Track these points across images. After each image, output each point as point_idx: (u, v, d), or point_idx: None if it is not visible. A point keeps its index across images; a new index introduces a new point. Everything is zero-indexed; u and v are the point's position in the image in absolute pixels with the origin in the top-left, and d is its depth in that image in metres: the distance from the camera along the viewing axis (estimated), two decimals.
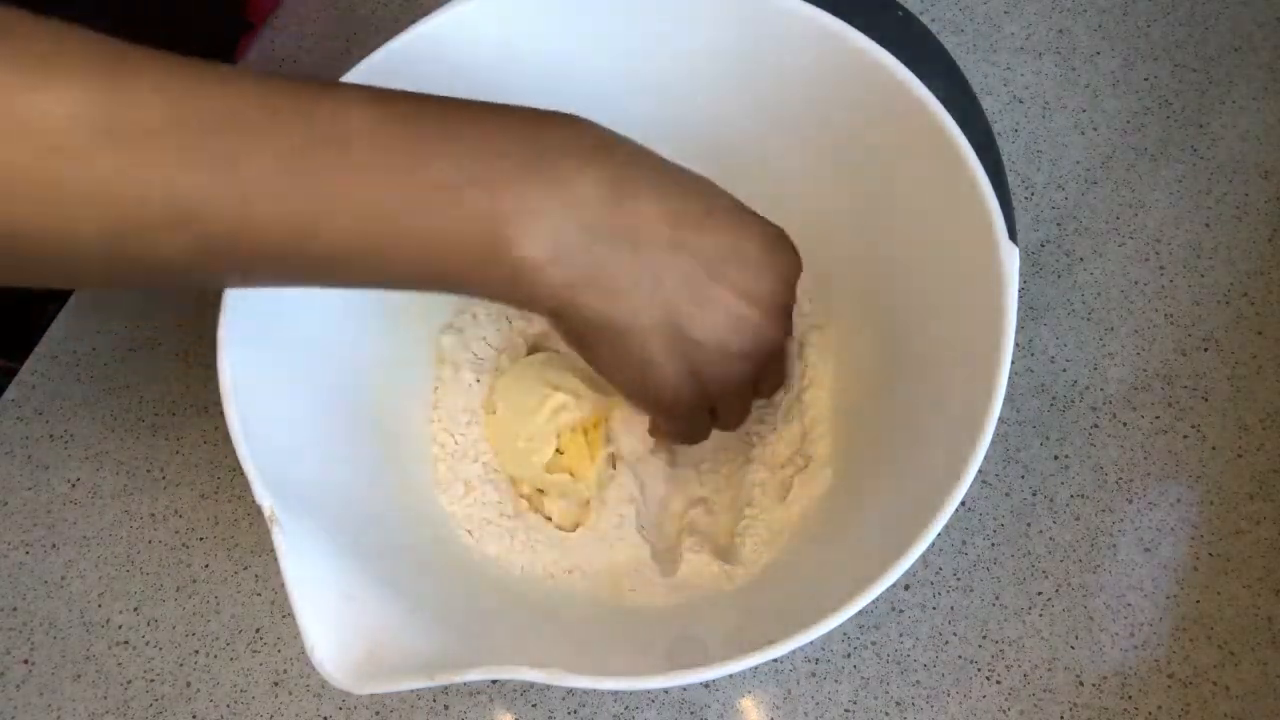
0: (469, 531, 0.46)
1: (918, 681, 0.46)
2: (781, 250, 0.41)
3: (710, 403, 0.42)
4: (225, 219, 0.30)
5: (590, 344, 0.38)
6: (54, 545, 0.50)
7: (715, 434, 0.47)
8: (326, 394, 0.44)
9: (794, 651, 0.37)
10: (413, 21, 0.44)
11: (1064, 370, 0.52)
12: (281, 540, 0.35)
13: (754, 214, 0.41)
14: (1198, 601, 0.47)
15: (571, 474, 0.47)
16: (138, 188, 0.29)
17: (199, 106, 0.30)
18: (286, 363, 0.42)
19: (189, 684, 0.47)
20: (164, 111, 0.29)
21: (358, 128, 0.32)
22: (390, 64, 0.43)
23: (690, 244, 0.37)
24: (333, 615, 0.35)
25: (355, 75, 0.43)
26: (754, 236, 0.40)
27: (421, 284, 0.35)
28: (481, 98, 0.46)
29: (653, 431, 0.47)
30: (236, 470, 0.37)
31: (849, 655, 0.47)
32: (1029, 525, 0.49)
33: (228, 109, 0.30)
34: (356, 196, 0.32)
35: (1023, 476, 0.50)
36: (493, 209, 0.33)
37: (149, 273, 0.32)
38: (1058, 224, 0.55)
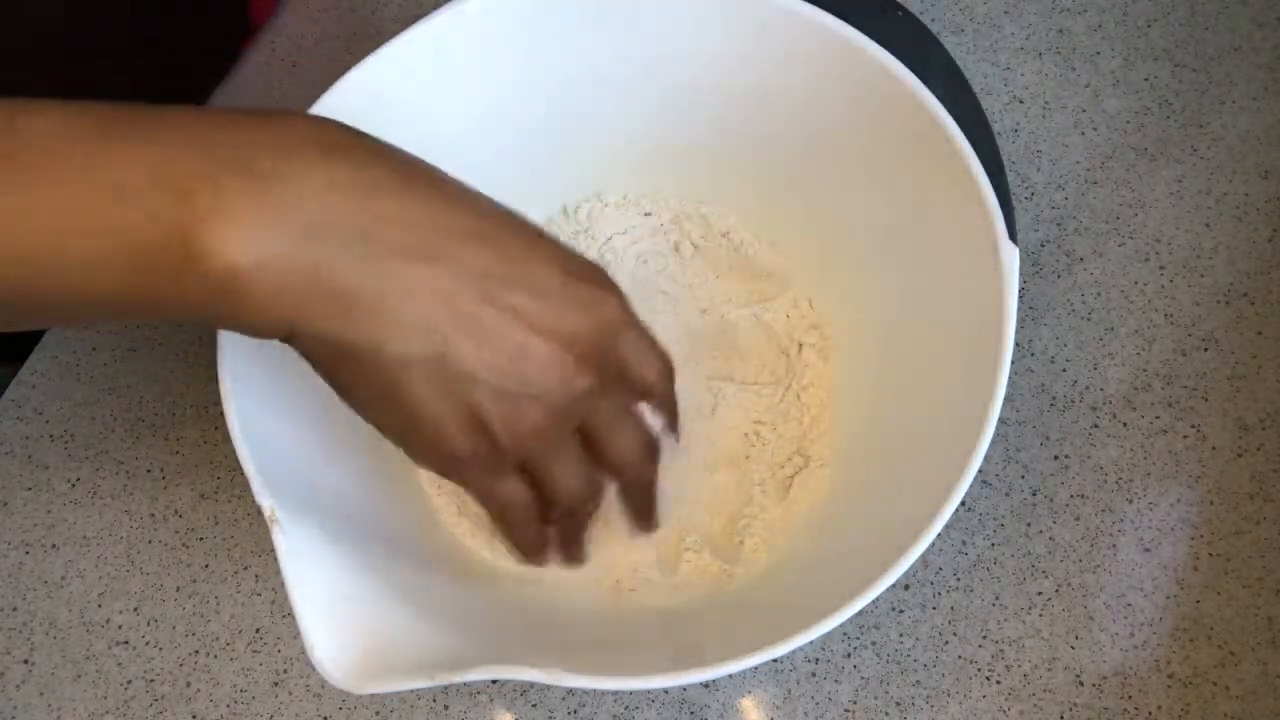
0: (469, 532, 0.46)
1: (918, 681, 0.46)
2: (593, 283, 0.35)
3: (512, 460, 0.35)
4: None
5: (341, 377, 0.33)
6: (54, 545, 0.50)
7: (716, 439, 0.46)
8: (327, 394, 0.44)
9: (794, 651, 0.37)
10: (412, 22, 0.43)
11: (1064, 370, 0.52)
12: (281, 541, 0.35)
13: (557, 241, 0.35)
14: (1198, 601, 0.47)
15: None
16: None
17: None
18: (286, 363, 0.42)
19: (189, 684, 0.47)
20: None
21: (35, 139, 0.28)
22: (387, 67, 0.43)
23: (452, 255, 0.31)
24: (332, 615, 0.35)
25: (351, 80, 0.42)
26: (552, 262, 0.34)
27: (119, 309, 0.30)
28: (486, 98, 0.47)
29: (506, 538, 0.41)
30: (236, 470, 0.37)
31: (849, 655, 0.47)
32: (1029, 525, 0.49)
33: None
34: (27, 210, 0.28)
35: (1023, 476, 0.50)
36: (181, 211, 0.28)
37: None
38: (1058, 224, 0.55)
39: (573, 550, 0.43)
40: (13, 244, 0.28)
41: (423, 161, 0.33)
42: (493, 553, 0.46)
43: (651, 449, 0.41)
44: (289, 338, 0.31)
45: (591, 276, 0.35)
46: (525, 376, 0.33)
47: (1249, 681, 0.46)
